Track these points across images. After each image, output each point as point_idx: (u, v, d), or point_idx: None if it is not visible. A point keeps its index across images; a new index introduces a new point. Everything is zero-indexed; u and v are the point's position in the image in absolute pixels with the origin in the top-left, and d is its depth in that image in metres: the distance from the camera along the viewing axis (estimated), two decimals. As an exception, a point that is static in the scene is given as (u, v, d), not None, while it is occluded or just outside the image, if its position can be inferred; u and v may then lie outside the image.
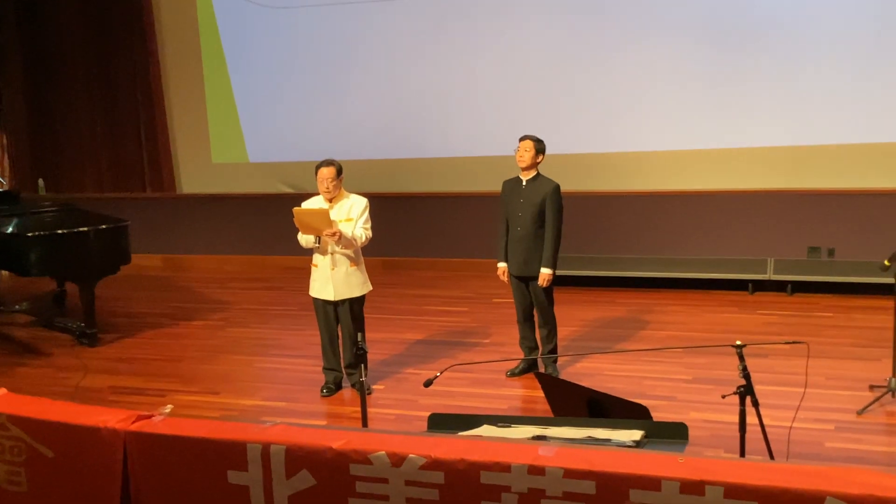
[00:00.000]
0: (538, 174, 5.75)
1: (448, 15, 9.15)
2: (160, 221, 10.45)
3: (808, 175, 8.18)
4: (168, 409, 2.99)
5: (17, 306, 8.37)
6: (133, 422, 2.94)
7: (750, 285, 7.96)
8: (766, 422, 3.70)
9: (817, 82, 8.01)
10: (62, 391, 5.91)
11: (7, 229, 7.26)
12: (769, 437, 3.75)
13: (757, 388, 3.63)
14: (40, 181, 10.38)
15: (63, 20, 10.77)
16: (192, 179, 10.66)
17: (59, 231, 7.04)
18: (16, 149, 11.08)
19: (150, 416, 2.98)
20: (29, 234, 6.93)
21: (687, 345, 6.39)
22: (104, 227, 7.23)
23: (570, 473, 2.47)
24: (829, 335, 6.55)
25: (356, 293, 5.65)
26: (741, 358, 3.54)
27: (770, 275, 7.90)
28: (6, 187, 9.93)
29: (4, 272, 8.94)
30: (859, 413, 5.01)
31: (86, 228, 7.10)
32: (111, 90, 10.74)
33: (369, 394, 5.62)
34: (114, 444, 2.90)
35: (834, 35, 7.92)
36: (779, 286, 7.91)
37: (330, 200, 5.56)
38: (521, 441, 2.85)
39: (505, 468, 2.52)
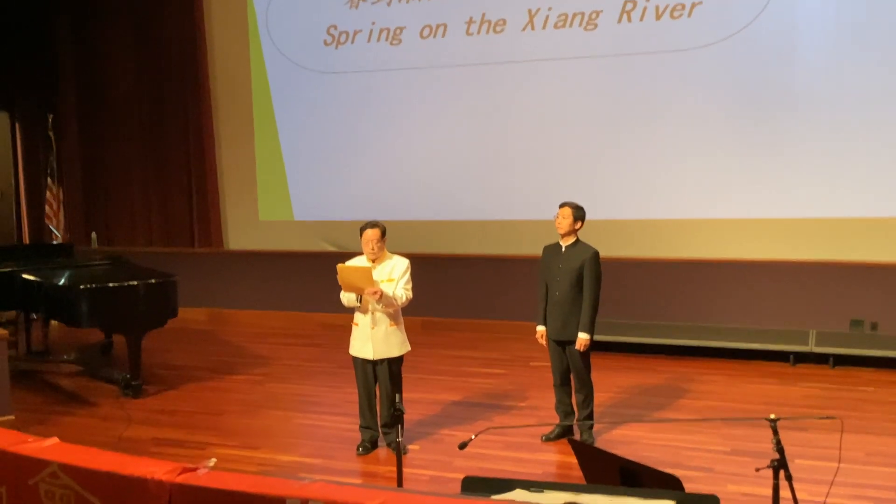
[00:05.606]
0: (577, 240, 5.84)
1: (489, 81, 9.40)
2: (206, 276, 10.70)
3: (852, 247, 8.16)
4: (212, 462, 3.06)
5: (64, 356, 8.58)
6: (178, 474, 3.02)
7: (791, 357, 7.88)
8: (802, 496, 3.68)
9: (861, 154, 8.04)
10: (106, 441, 6.01)
11: (60, 281, 7.49)
12: (805, 512, 3.73)
13: (796, 462, 3.63)
14: (93, 235, 10.70)
15: (119, 79, 11.23)
16: (239, 236, 10.93)
17: (111, 284, 7.24)
18: (71, 203, 11.46)
19: (195, 469, 3.06)
20: (81, 287, 7.12)
21: (725, 416, 6.35)
22: (154, 281, 7.42)
23: (601, 541, 2.49)
24: (870, 410, 6.46)
25: (395, 353, 5.73)
26: (775, 432, 3.55)
27: (812, 347, 7.82)
28: (61, 240, 10.24)
29: (54, 322, 9.18)
30: (900, 491, 4.93)
31: (136, 282, 7.30)
32: (164, 148, 11.13)
33: (405, 454, 5.66)
34: (160, 495, 2.98)
35: (874, 107, 7.97)
36: (821, 358, 7.82)
37: (373, 261, 5.69)
38: (553, 507, 2.87)
39: (537, 533, 2.55)
